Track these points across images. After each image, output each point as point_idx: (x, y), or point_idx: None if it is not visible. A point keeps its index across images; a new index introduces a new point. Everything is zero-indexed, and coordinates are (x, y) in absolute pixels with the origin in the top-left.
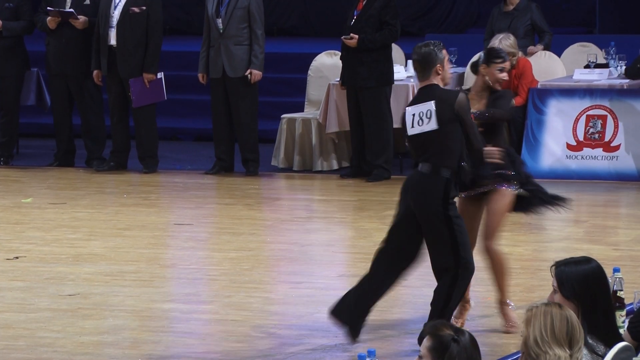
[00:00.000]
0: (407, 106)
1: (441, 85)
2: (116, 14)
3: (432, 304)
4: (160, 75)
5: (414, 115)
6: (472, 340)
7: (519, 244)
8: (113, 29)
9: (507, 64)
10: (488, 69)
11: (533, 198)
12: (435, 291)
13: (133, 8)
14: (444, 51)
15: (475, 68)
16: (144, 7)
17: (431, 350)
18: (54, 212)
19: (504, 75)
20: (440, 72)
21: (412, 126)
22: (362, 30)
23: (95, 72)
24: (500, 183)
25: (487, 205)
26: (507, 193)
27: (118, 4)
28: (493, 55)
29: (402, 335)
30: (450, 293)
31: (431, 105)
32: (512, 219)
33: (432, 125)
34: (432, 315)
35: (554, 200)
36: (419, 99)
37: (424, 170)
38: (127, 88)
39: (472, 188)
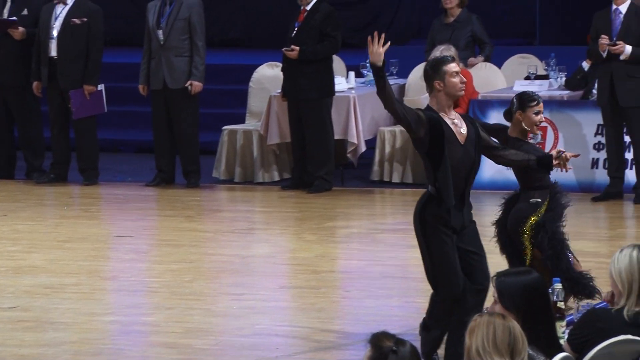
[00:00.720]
0: None
1: (443, 101)
2: (57, 25)
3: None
4: (101, 87)
5: None
6: (413, 352)
7: None
8: (54, 40)
9: (541, 106)
10: (524, 114)
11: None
12: None
13: (74, 19)
14: (449, 65)
15: (509, 115)
16: (85, 19)
17: None
18: None
19: (541, 117)
20: (440, 87)
21: None
22: (303, 42)
23: (35, 83)
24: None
25: None
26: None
27: (59, 15)
28: (527, 100)
29: (343, 346)
30: (430, 316)
31: None
32: None
33: None
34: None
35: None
36: None
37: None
38: (67, 100)
39: None
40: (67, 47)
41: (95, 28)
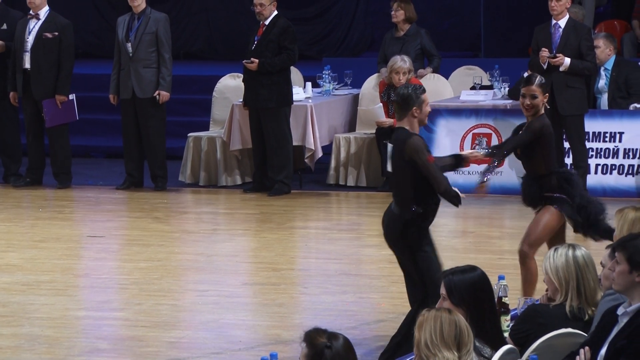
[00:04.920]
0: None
1: (415, 126)
2: (30, 39)
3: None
4: (72, 96)
5: (388, 154)
6: (346, 345)
7: None
8: (28, 53)
9: (527, 89)
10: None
11: (587, 226)
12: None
13: (46, 34)
14: (425, 95)
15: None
16: (57, 33)
17: (308, 358)
18: None
19: (524, 101)
20: (417, 114)
21: (388, 163)
22: (262, 54)
23: (11, 93)
24: (550, 203)
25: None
26: (553, 211)
27: (32, 29)
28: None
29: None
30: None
31: (390, 148)
32: None
33: (389, 167)
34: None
35: (603, 235)
36: (392, 139)
37: (391, 207)
38: (40, 109)
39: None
40: (40, 59)
41: (66, 41)
